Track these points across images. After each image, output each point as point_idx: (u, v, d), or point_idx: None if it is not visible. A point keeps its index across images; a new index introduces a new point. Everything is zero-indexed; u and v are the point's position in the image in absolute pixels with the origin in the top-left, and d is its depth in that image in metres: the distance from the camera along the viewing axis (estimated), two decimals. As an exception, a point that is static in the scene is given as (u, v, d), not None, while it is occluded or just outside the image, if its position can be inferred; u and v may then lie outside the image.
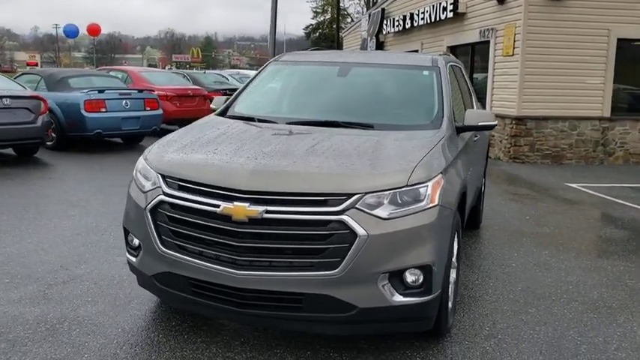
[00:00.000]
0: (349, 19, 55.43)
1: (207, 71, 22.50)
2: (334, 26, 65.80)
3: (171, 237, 3.38)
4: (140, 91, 11.94)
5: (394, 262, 3.18)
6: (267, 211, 3.13)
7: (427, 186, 3.30)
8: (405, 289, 3.25)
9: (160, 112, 12.14)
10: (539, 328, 4.05)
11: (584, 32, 11.92)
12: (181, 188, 3.38)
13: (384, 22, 19.49)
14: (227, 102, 4.77)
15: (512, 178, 10.46)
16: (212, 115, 4.62)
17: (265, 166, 3.32)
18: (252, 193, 3.16)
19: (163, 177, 3.46)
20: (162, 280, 3.49)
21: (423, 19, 16.24)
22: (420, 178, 3.31)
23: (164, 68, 55.00)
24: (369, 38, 21.05)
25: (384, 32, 19.62)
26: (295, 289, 3.17)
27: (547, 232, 6.68)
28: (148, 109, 11.79)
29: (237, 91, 4.92)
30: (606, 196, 8.94)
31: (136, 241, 3.69)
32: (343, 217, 3.10)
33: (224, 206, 3.18)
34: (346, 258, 3.10)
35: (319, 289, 3.15)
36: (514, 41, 12.05)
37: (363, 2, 53.50)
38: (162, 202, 3.40)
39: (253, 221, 3.14)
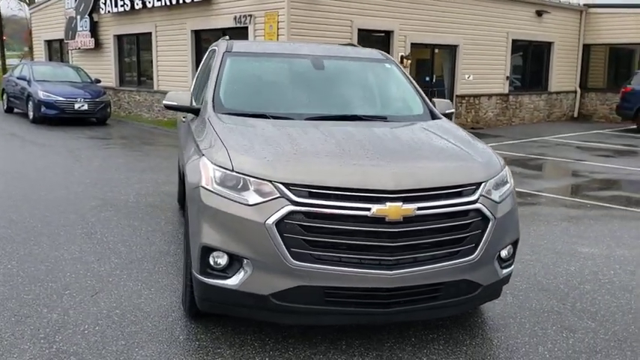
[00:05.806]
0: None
1: None
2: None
3: (305, 248, 3.15)
4: None
5: (506, 240, 3.61)
6: (419, 208, 3.19)
7: (506, 169, 3.77)
8: (503, 262, 3.68)
9: None
10: (522, 279, 4.87)
11: (334, 22, 13.32)
12: (312, 195, 3.14)
13: (101, 0, 18.11)
14: (213, 99, 4.29)
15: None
16: (215, 114, 4.10)
17: (398, 164, 3.34)
18: (401, 192, 3.18)
19: (286, 185, 3.14)
20: (286, 296, 3.20)
21: (159, 0, 15.70)
22: (503, 162, 3.76)
23: None
24: (78, 17, 19.25)
25: (102, 12, 18.23)
26: (440, 279, 3.33)
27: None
28: None
29: (209, 87, 4.42)
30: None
31: (223, 261, 3.27)
32: (478, 205, 3.38)
33: (377, 208, 3.13)
34: (481, 243, 3.39)
35: (459, 276, 3.38)
36: (277, 29, 12.75)
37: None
38: (292, 212, 3.11)
39: (407, 220, 3.18)
